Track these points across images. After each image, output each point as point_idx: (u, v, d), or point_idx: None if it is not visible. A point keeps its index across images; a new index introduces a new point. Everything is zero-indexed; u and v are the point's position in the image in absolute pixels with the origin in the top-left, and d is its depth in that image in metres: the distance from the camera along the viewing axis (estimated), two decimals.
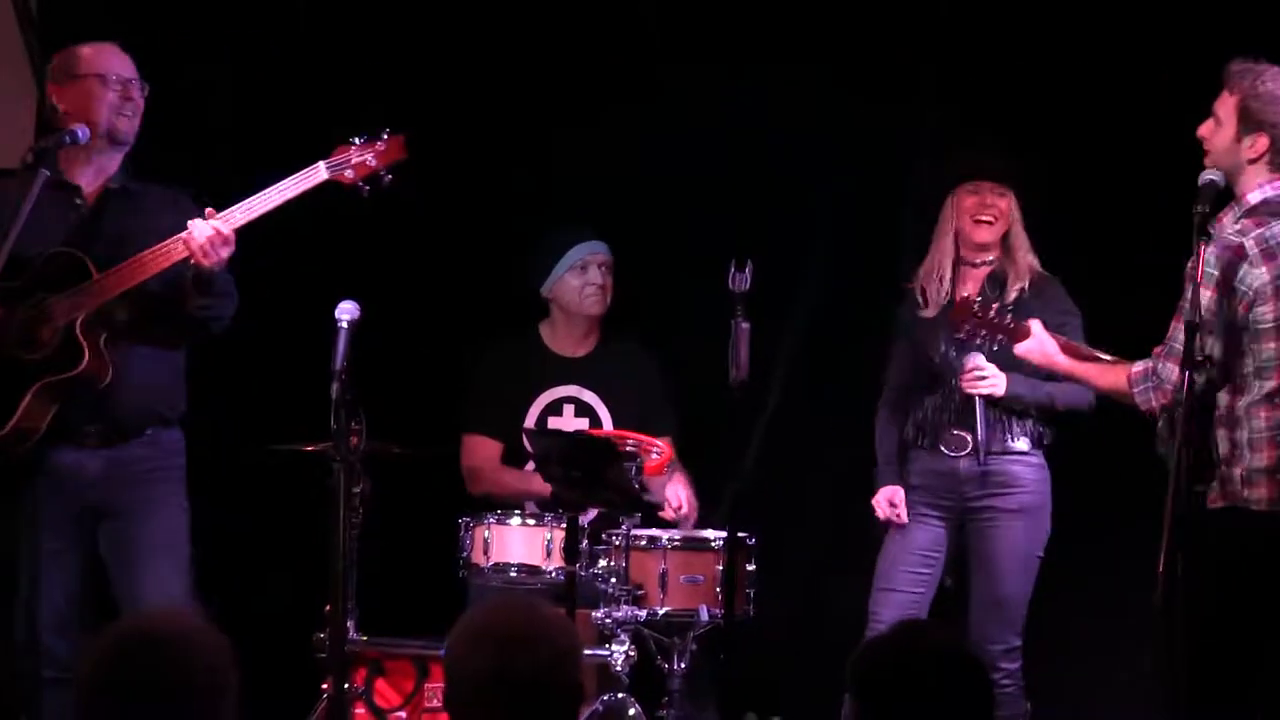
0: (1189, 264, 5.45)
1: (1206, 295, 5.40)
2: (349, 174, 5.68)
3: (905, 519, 6.65)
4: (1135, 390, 5.55)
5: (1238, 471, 5.51)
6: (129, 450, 5.89)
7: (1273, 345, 5.44)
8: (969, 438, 6.54)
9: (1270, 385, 5.49)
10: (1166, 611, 5.19)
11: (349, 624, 6.16)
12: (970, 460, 6.55)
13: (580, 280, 7.03)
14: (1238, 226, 5.50)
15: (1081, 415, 6.54)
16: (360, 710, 6.44)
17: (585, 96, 7.48)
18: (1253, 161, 5.61)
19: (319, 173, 5.69)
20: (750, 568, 6.50)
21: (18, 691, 5.76)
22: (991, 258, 6.63)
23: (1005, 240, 6.63)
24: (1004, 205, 6.59)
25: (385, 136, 5.76)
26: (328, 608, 5.99)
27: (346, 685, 6.12)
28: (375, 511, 6.23)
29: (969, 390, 6.46)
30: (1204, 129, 5.65)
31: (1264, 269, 5.44)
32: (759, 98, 7.27)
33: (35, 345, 5.69)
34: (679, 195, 7.26)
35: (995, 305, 6.01)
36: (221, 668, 3.42)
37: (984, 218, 6.58)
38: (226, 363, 6.32)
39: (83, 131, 5.80)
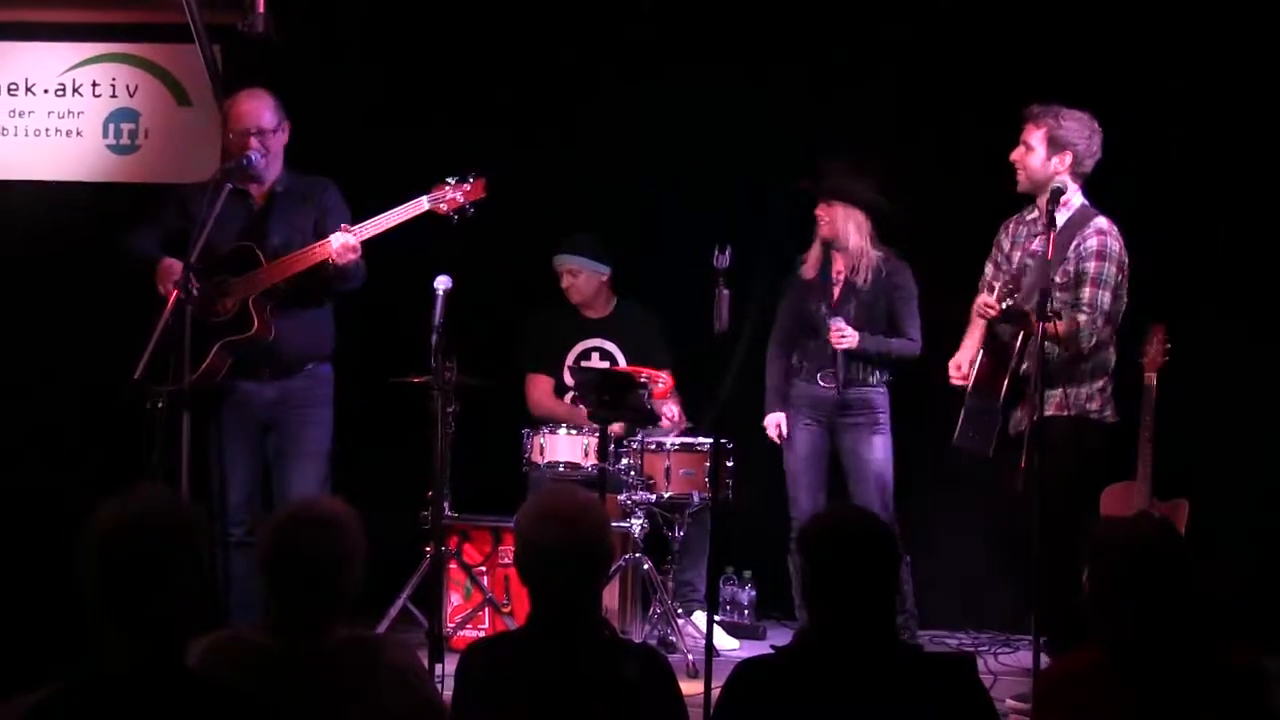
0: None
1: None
2: (443, 207, 5.61)
3: (782, 439, 6.66)
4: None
5: (1084, 390, 5.56)
6: (292, 382, 5.92)
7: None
8: (834, 374, 6.57)
9: (1105, 334, 5.56)
10: (1026, 492, 5.24)
11: (445, 504, 6.18)
12: (832, 390, 6.56)
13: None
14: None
15: (911, 361, 6.55)
16: (453, 566, 6.52)
17: (616, 132, 7.37)
18: (1059, 173, 5.63)
19: (422, 204, 5.65)
20: (729, 464, 6.53)
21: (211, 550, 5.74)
22: (837, 243, 6.61)
23: (838, 232, 6.60)
24: (833, 211, 6.56)
25: (472, 179, 5.67)
26: (430, 493, 6.03)
27: (443, 548, 6.17)
28: (462, 425, 6.29)
29: (835, 345, 6.47)
30: (1016, 155, 5.67)
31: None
32: (750, 119, 7.19)
33: (219, 313, 5.69)
34: (682, 201, 7.13)
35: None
36: (356, 536, 3.47)
37: (821, 220, 6.59)
38: (363, 320, 6.32)
39: (256, 155, 5.84)
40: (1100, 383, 5.64)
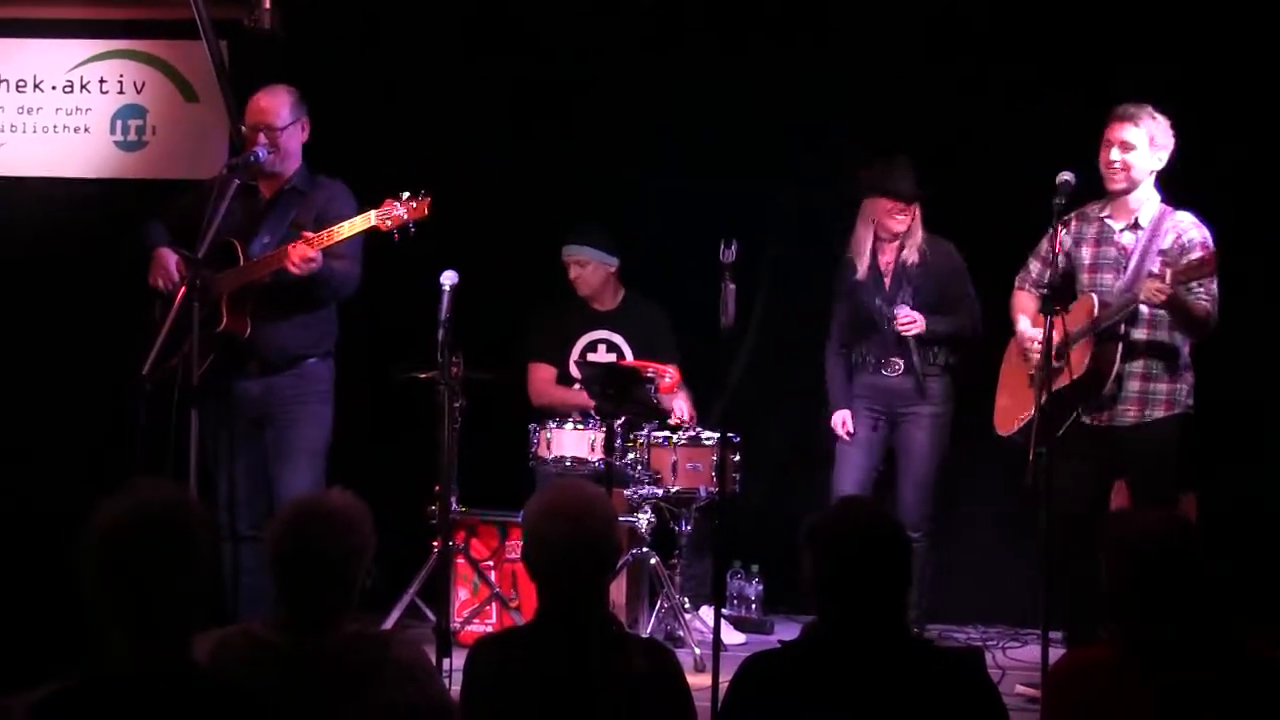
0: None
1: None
2: (387, 224, 5.55)
3: (850, 437, 6.61)
4: None
5: (1183, 386, 5.59)
6: (281, 378, 5.86)
7: None
8: (901, 363, 6.53)
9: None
10: (1033, 486, 5.23)
11: (452, 499, 6.16)
12: (903, 379, 6.53)
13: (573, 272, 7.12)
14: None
15: (976, 337, 6.54)
16: (460, 561, 6.51)
17: (620, 127, 7.36)
18: (1153, 172, 5.66)
19: (370, 219, 5.60)
20: (736, 458, 6.48)
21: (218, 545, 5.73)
22: (902, 234, 6.58)
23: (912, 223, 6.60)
24: (913, 207, 6.52)
25: (419, 198, 5.60)
26: (437, 488, 6.01)
27: (450, 543, 6.14)
28: (469, 420, 6.24)
29: (902, 332, 6.47)
30: (1117, 154, 5.65)
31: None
32: (756, 110, 7.21)
33: (203, 307, 5.65)
34: (688, 195, 7.10)
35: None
36: (367, 531, 3.46)
37: (900, 217, 6.53)
38: (369, 315, 6.31)
39: (263, 152, 5.82)
40: (1191, 376, 5.69)
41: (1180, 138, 5.74)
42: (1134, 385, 5.64)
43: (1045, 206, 5.56)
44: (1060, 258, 5.84)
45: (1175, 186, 5.86)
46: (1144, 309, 5.59)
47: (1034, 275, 5.96)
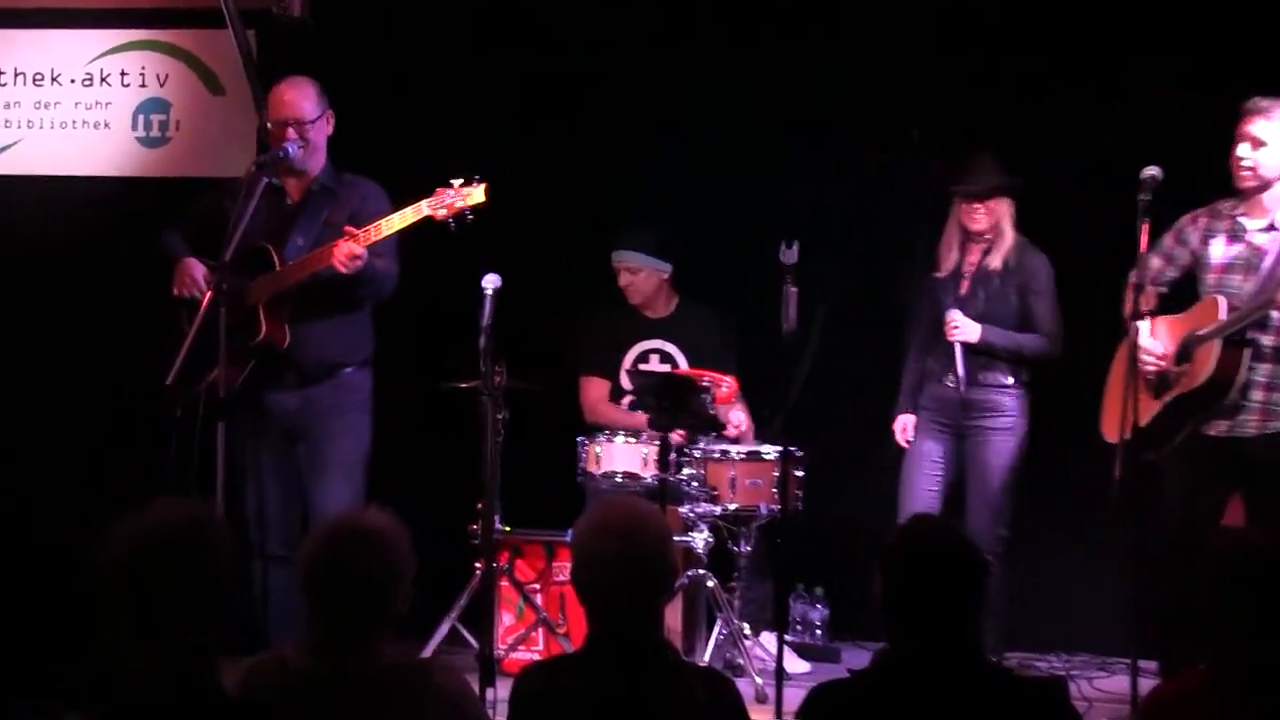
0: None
1: None
2: (441, 213, 5.56)
3: (908, 443, 6.53)
4: None
5: None
6: (318, 389, 5.88)
7: None
8: (955, 372, 6.45)
9: None
10: (1119, 502, 5.17)
11: (495, 518, 6.13)
12: (954, 390, 6.41)
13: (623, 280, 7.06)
14: None
15: (1048, 361, 6.41)
16: (504, 583, 6.47)
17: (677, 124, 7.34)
18: None
19: (422, 210, 5.59)
20: (799, 473, 6.42)
21: (247, 564, 5.76)
22: (988, 235, 6.46)
23: (997, 223, 6.49)
24: (991, 205, 6.41)
25: (473, 184, 5.59)
26: (479, 505, 5.99)
27: (494, 564, 6.11)
28: (513, 433, 6.20)
29: (949, 338, 6.36)
30: (1247, 150, 5.58)
31: None
32: (812, 104, 7.19)
33: (238, 315, 5.62)
34: (747, 194, 7.08)
35: None
36: (405, 553, 3.43)
37: (976, 215, 6.43)
38: (408, 322, 6.30)
39: (293, 147, 5.81)
40: None
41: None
42: (1258, 395, 5.55)
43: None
44: (1183, 253, 5.76)
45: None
46: (1275, 314, 5.50)
47: (1153, 271, 5.83)
